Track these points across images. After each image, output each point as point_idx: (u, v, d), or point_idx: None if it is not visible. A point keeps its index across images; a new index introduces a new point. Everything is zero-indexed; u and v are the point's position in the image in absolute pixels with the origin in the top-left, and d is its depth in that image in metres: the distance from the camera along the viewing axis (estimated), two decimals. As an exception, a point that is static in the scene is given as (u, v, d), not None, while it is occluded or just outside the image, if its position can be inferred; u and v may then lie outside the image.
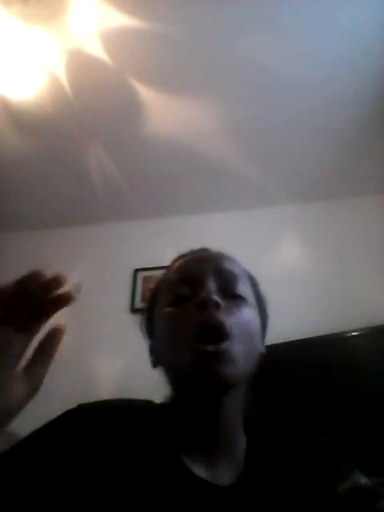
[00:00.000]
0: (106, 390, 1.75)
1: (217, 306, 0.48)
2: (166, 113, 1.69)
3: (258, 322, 0.55)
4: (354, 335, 1.55)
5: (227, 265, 0.55)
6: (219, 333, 0.46)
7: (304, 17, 1.38)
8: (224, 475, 0.48)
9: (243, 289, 0.54)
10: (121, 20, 1.36)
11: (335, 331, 1.58)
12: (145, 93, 1.60)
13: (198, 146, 1.84)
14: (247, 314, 0.51)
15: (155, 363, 0.57)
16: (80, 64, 1.48)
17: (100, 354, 1.89)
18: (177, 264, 0.59)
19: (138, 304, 1.99)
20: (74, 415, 0.49)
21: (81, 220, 2.30)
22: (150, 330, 0.60)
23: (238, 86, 1.60)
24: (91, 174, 1.97)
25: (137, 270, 2.08)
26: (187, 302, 0.50)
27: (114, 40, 1.42)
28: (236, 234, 2.05)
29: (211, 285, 0.51)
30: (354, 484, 0.48)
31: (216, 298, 0.48)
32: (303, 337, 1.58)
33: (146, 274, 2.04)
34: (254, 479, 0.48)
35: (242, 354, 0.47)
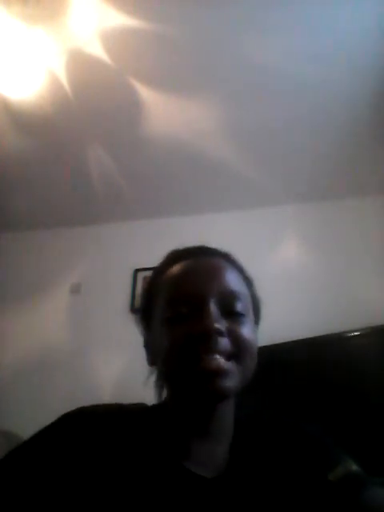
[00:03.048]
0: (105, 390, 1.75)
1: (220, 334, 0.46)
2: (165, 113, 1.69)
3: (256, 333, 0.54)
4: (354, 335, 1.55)
5: (228, 282, 0.52)
6: (222, 356, 0.46)
7: (303, 17, 1.38)
8: (215, 467, 0.49)
9: (243, 303, 0.52)
10: (121, 20, 1.36)
11: (335, 331, 1.58)
12: (145, 93, 1.60)
13: (198, 146, 1.84)
14: (248, 332, 0.50)
15: (150, 363, 0.57)
16: (80, 64, 1.48)
17: (100, 354, 1.89)
18: (174, 271, 0.55)
19: (138, 304, 1.98)
20: (74, 419, 0.49)
21: (81, 220, 2.30)
22: (147, 327, 0.59)
23: (238, 86, 1.60)
24: (91, 174, 1.97)
25: (137, 270, 2.08)
26: (186, 323, 0.48)
27: (114, 40, 1.42)
28: (236, 233, 2.05)
29: (213, 308, 0.48)
30: (346, 471, 0.48)
31: (218, 326, 0.46)
32: (303, 337, 1.58)
33: (146, 273, 2.03)
34: (240, 468, 0.49)
35: (242, 370, 0.47)
